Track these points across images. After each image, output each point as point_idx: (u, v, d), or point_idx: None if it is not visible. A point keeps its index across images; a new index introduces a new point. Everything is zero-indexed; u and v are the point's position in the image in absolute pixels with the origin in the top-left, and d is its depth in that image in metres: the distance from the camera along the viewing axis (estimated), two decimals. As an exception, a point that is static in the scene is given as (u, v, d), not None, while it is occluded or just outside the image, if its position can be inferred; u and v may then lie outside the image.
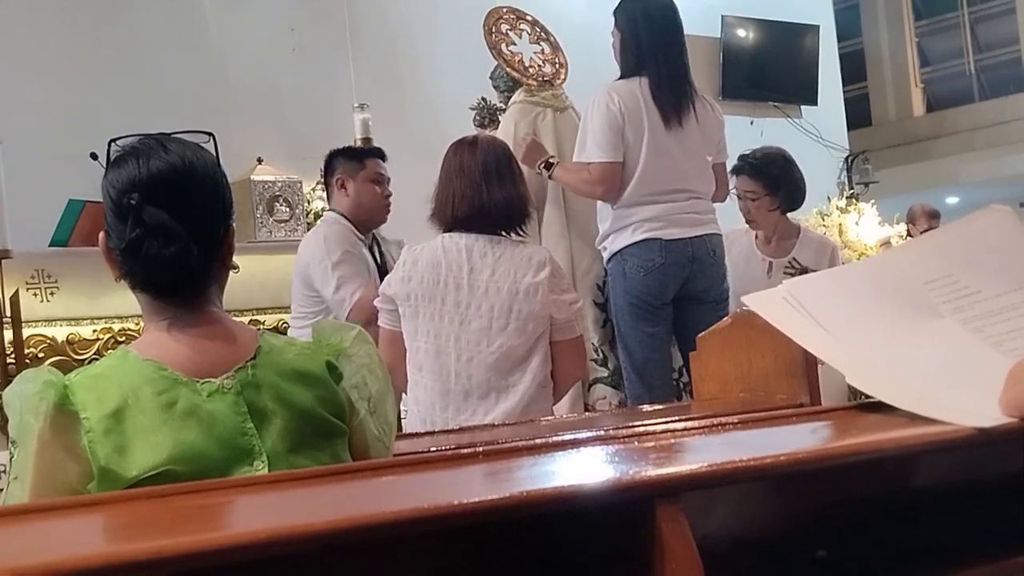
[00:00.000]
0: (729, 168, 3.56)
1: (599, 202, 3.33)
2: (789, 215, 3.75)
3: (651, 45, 3.28)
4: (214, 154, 1.38)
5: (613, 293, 3.29)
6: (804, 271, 3.54)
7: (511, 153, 2.72)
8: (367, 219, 3.41)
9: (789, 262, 3.60)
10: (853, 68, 10.84)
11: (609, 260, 3.29)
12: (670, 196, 3.24)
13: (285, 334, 3.62)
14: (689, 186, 3.30)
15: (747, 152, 3.65)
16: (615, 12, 3.39)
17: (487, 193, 2.57)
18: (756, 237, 3.68)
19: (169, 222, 1.28)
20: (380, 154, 3.50)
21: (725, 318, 1.77)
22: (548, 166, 3.36)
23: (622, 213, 3.24)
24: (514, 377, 2.54)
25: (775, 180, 3.55)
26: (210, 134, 1.40)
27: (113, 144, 1.35)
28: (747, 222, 3.68)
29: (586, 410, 3.24)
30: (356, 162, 3.43)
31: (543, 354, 2.58)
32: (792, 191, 3.61)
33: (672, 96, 3.25)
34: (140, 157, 1.32)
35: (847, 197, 7.04)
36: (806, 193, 3.68)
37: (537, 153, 3.38)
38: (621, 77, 3.31)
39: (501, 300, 2.54)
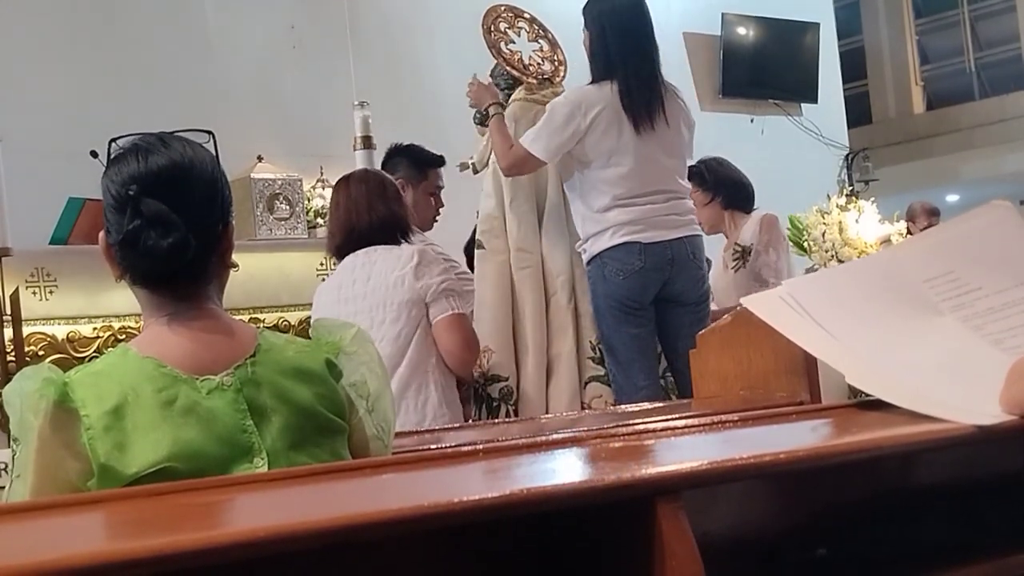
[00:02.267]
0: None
1: (573, 205, 3.34)
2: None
3: (619, 49, 3.26)
4: (213, 152, 1.38)
5: (594, 296, 3.28)
6: (745, 249, 3.84)
7: (387, 182, 3.02)
8: (417, 226, 3.47)
9: (732, 247, 3.85)
10: (853, 66, 10.82)
11: (588, 263, 3.28)
12: (649, 198, 3.23)
13: (286, 332, 3.62)
14: (669, 187, 3.28)
15: None
16: (583, 11, 3.37)
17: (359, 218, 2.91)
18: (725, 249, 3.92)
19: (167, 213, 1.28)
20: (441, 163, 3.54)
21: (724, 316, 1.77)
22: (491, 113, 3.41)
23: (599, 217, 3.23)
24: (394, 363, 2.75)
25: (700, 174, 3.86)
26: (210, 132, 1.40)
27: (113, 143, 1.35)
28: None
29: (582, 409, 3.24)
30: (418, 171, 3.48)
31: (422, 338, 2.82)
32: (724, 185, 3.89)
33: (642, 100, 3.23)
34: (140, 153, 1.32)
35: (847, 195, 6.98)
36: (750, 191, 3.93)
37: (487, 95, 3.45)
38: (592, 81, 3.30)
39: (378, 296, 2.81)
